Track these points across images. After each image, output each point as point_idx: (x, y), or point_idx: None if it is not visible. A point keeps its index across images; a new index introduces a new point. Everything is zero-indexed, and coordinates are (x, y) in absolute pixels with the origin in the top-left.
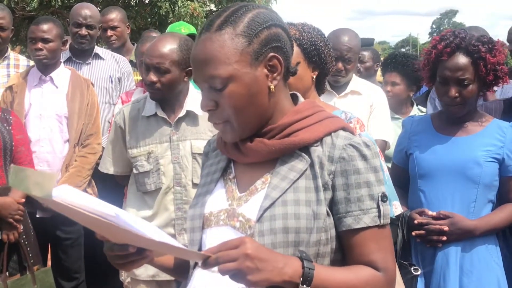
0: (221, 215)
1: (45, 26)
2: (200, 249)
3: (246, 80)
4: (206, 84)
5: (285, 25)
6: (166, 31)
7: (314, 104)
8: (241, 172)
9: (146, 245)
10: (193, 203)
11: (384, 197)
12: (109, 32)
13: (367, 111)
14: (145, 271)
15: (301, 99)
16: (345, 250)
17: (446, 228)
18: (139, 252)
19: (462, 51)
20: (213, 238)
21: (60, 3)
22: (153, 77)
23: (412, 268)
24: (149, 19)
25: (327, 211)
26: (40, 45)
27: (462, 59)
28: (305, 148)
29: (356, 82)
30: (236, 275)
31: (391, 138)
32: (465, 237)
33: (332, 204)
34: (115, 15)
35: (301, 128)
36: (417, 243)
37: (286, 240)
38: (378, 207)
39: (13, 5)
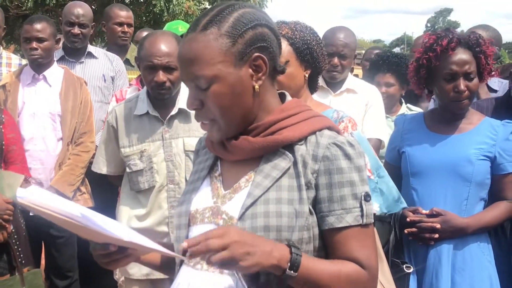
0: (206, 212)
1: (39, 26)
2: None
3: (230, 80)
4: (192, 83)
5: (272, 24)
6: (164, 29)
7: (300, 103)
8: (227, 169)
9: (121, 244)
10: (180, 201)
11: (367, 197)
12: (126, 28)
13: (363, 110)
14: (138, 270)
15: (288, 97)
16: (328, 249)
17: (438, 226)
18: (121, 251)
19: (463, 46)
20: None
21: (54, 2)
22: (163, 77)
23: (404, 266)
24: (143, 18)
25: (310, 210)
26: (35, 44)
27: (465, 53)
28: (289, 147)
29: (352, 80)
30: (228, 263)
31: (386, 137)
32: (457, 235)
33: (315, 203)
34: (131, 14)
35: (286, 126)
36: (410, 241)
37: (267, 239)
38: (361, 206)
39: (7, 3)
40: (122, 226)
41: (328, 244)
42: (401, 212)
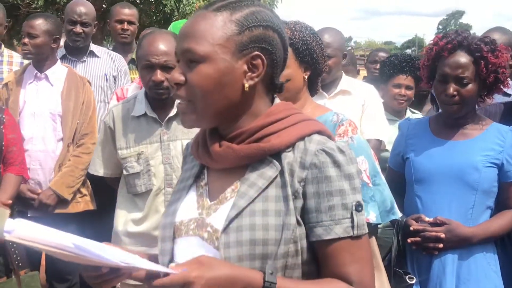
0: (191, 224)
1: (33, 22)
2: (171, 259)
3: (221, 66)
4: (183, 57)
5: (285, 37)
6: (169, 28)
7: (288, 106)
8: (213, 178)
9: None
10: (165, 211)
11: (359, 206)
12: (126, 26)
13: (359, 111)
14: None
15: (276, 100)
16: (318, 261)
17: (442, 235)
18: (113, 271)
19: (463, 49)
20: (183, 248)
21: (65, 0)
22: (161, 76)
23: (407, 277)
24: (154, 17)
25: (297, 221)
26: (26, 40)
27: (463, 57)
28: (277, 154)
29: (346, 81)
30: None
31: (385, 137)
32: (462, 244)
33: (303, 213)
34: (133, 11)
35: (273, 132)
36: (413, 251)
37: (253, 253)
38: (351, 216)
39: (18, 1)
40: (116, 250)
41: (318, 257)
42: (405, 220)
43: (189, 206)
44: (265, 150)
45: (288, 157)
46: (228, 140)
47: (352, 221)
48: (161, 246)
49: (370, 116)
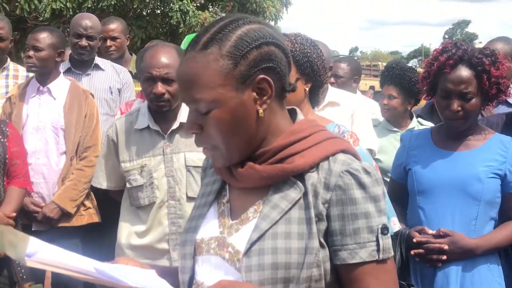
0: (212, 243)
1: (39, 35)
2: (192, 277)
3: (231, 105)
4: (190, 106)
5: (281, 42)
6: (183, 42)
7: (313, 123)
8: (235, 196)
9: None
10: (186, 227)
11: (384, 229)
12: (109, 43)
13: (349, 121)
14: None
15: (299, 116)
16: (343, 284)
17: (446, 247)
18: None
19: (465, 64)
20: (204, 267)
21: (71, 13)
22: (161, 88)
23: None
24: (160, 29)
25: (321, 243)
26: (31, 53)
27: (465, 72)
28: (300, 174)
29: (333, 92)
30: None
31: (376, 145)
32: (466, 256)
33: (327, 235)
34: (116, 26)
35: (296, 152)
36: (416, 263)
37: (275, 277)
38: (377, 240)
39: (25, 14)
40: (133, 269)
41: (342, 280)
42: (408, 232)
43: (210, 224)
44: (289, 172)
45: (312, 177)
46: (251, 160)
47: (378, 245)
48: (181, 263)
49: (359, 126)
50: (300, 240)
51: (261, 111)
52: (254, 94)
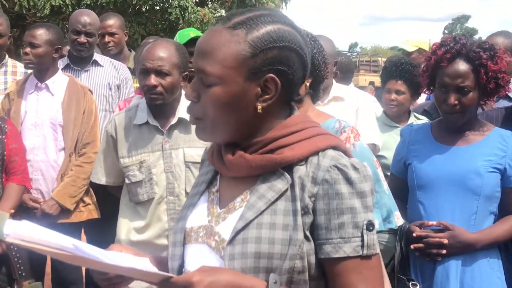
0: (201, 231)
1: (35, 32)
2: (181, 264)
3: (233, 89)
4: (198, 75)
5: (304, 54)
6: (175, 37)
7: (306, 118)
8: (225, 186)
9: (117, 271)
10: (179, 216)
11: (370, 226)
12: (107, 38)
13: (353, 116)
14: (138, 284)
15: (295, 111)
16: (327, 279)
17: (445, 241)
18: (119, 276)
19: (462, 58)
20: (192, 255)
21: (71, 10)
22: (153, 80)
23: (410, 283)
24: (159, 25)
25: (306, 236)
26: (27, 49)
27: (462, 66)
28: (289, 167)
29: (337, 88)
30: None
31: (379, 140)
32: (466, 250)
33: (313, 229)
34: (113, 22)
35: (287, 144)
36: (416, 257)
37: (258, 266)
38: (362, 236)
39: (24, 12)
40: (115, 254)
41: (326, 274)
42: (407, 227)
43: (199, 213)
44: (277, 162)
45: (300, 170)
46: (242, 149)
47: (362, 240)
48: (171, 250)
49: (363, 121)
50: (285, 231)
51: (259, 107)
52: (259, 89)
